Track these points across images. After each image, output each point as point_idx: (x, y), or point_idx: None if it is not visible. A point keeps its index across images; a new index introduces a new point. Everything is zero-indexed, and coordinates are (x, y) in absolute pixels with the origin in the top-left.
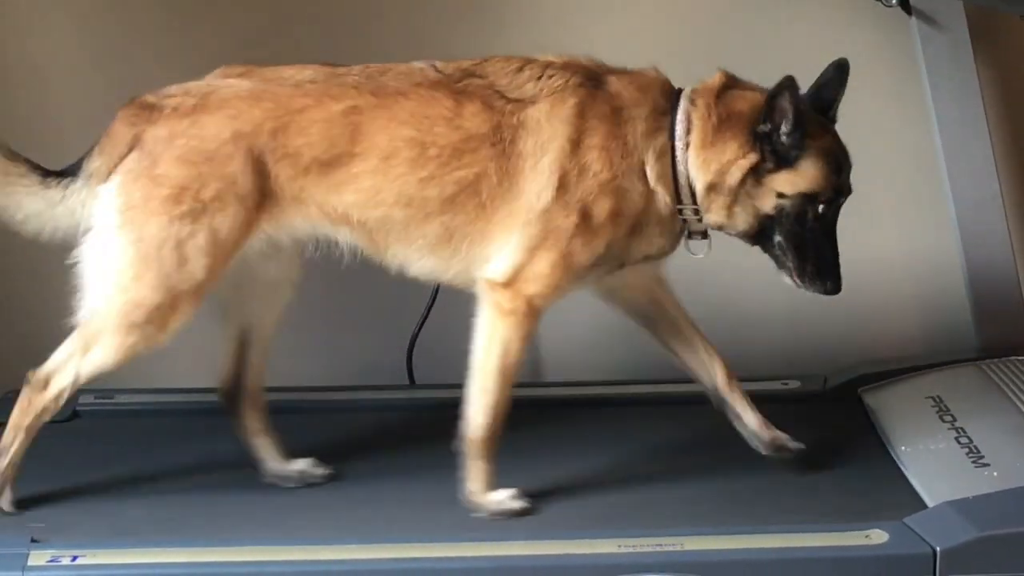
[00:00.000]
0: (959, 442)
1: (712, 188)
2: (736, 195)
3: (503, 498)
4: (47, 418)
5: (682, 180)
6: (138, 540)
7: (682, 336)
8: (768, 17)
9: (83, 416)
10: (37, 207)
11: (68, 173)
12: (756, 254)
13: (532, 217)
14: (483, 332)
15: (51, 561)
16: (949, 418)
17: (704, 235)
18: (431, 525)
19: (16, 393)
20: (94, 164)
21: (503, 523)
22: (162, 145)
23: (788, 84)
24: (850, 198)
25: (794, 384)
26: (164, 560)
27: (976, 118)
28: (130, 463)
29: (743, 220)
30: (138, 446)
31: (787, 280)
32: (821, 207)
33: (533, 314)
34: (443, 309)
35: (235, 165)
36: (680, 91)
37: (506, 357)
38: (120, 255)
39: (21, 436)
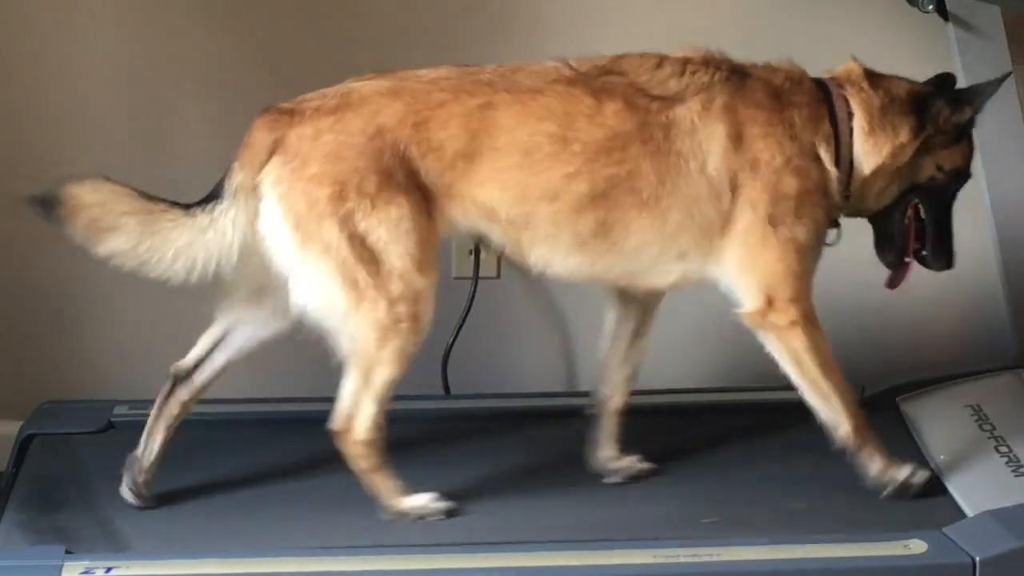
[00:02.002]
0: (998, 451)
1: (879, 170)
2: (896, 175)
3: (909, 472)
4: (382, 451)
5: (844, 165)
6: (172, 551)
7: (632, 347)
8: (803, 21)
9: (118, 427)
10: (187, 239)
11: (211, 198)
12: None
13: (725, 222)
14: (782, 358)
15: (85, 573)
16: (988, 427)
17: (836, 224)
18: (465, 534)
19: (51, 405)
20: (237, 179)
21: (541, 531)
22: (308, 144)
23: (943, 78)
24: None
25: None
26: (198, 572)
27: (1014, 124)
28: (164, 473)
29: (891, 195)
30: (172, 456)
31: (889, 257)
32: (959, 184)
33: (807, 315)
34: (477, 320)
35: (386, 159)
36: (821, 80)
37: (819, 357)
38: (318, 274)
39: (386, 481)
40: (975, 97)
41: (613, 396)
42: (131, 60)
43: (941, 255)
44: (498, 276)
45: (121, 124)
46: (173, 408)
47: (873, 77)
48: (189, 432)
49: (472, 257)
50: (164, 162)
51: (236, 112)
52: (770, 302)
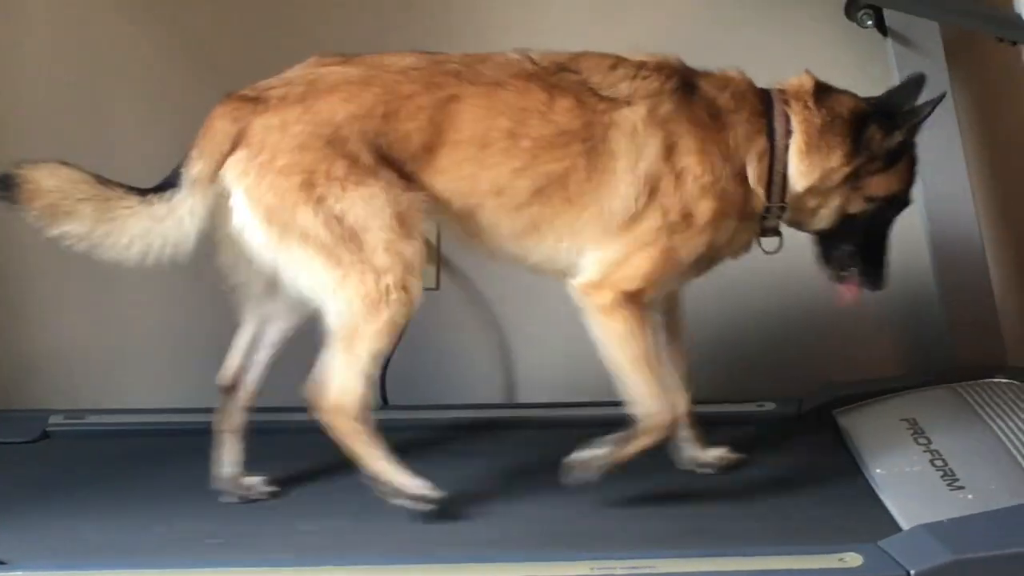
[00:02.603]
0: (934, 464)
1: (812, 190)
2: (828, 196)
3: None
4: (367, 420)
5: (777, 180)
6: (105, 562)
7: (671, 351)
8: (745, 37)
9: (53, 436)
10: (143, 226)
11: (167, 185)
12: (731, 276)
13: (628, 219)
14: (599, 335)
15: None
16: (924, 440)
17: (776, 232)
18: (406, 546)
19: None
20: (196, 169)
21: (473, 543)
22: (276, 135)
23: (916, 80)
24: None
25: (769, 406)
26: None
27: (951, 139)
28: (99, 484)
29: (826, 219)
30: (108, 467)
31: (831, 275)
32: (896, 210)
33: (637, 303)
34: (416, 331)
35: (353, 147)
36: (768, 92)
37: (633, 348)
38: (303, 258)
39: (371, 449)
40: (908, 120)
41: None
42: (66, 50)
43: (873, 277)
44: (437, 287)
45: (58, 116)
46: (236, 418)
47: (821, 93)
48: (125, 442)
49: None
50: (101, 153)
51: (171, 104)
52: (604, 283)
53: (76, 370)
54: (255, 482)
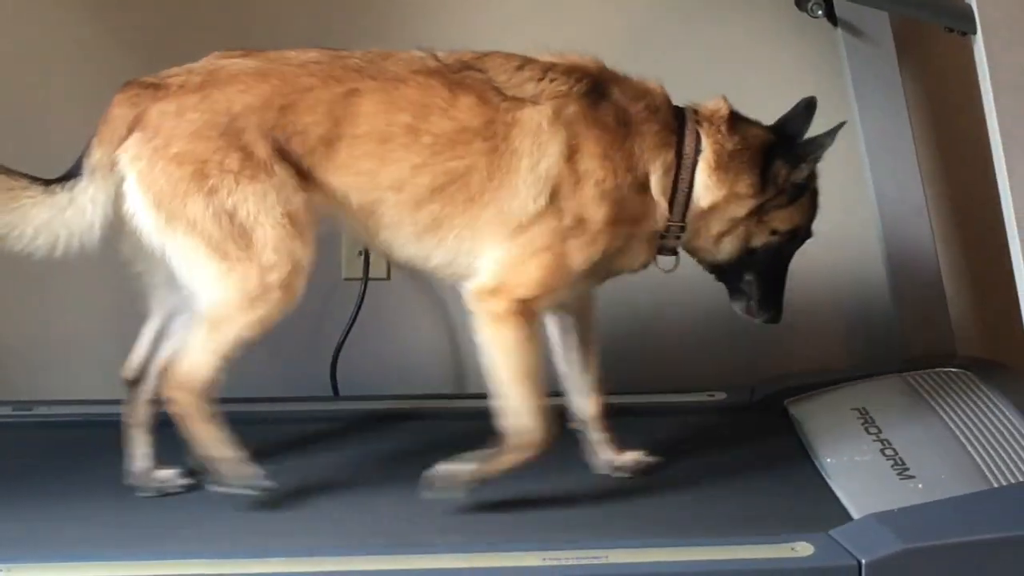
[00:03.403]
0: (884, 454)
1: (713, 210)
2: (733, 226)
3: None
4: (212, 402)
5: (681, 195)
6: (54, 554)
7: (581, 354)
8: (697, 28)
9: (30, 426)
10: (46, 216)
11: (70, 175)
12: (685, 266)
13: (526, 220)
14: (487, 343)
15: None
16: (874, 430)
17: (674, 251)
18: (352, 537)
19: None
20: (95, 157)
21: (423, 533)
22: (172, 121)
23: (808, 104)
24: None
25: (720, 396)
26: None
27: (901, 130)
28: (49, 475)
29: (728, 250)
30: (56, 458)
31: (739, 309)
32: (798, 242)
33: (529, 314)
34: (367, 321)
35: (249, 138)
36: (683, 109)
37: (518, 361)
38: (188, 247)
39: (210, 431)
40: (811, 154)
41: (589, 404)
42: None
43: (768, 309)
44: (388, 277)
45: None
46: (142, 411)
47: (735, 122)
48: (73, 433)
49: (362, 258)
50: (31, 142)
51: (104, 90)
52: (499, 289)
53: (21, 362)
54: (169, 475)
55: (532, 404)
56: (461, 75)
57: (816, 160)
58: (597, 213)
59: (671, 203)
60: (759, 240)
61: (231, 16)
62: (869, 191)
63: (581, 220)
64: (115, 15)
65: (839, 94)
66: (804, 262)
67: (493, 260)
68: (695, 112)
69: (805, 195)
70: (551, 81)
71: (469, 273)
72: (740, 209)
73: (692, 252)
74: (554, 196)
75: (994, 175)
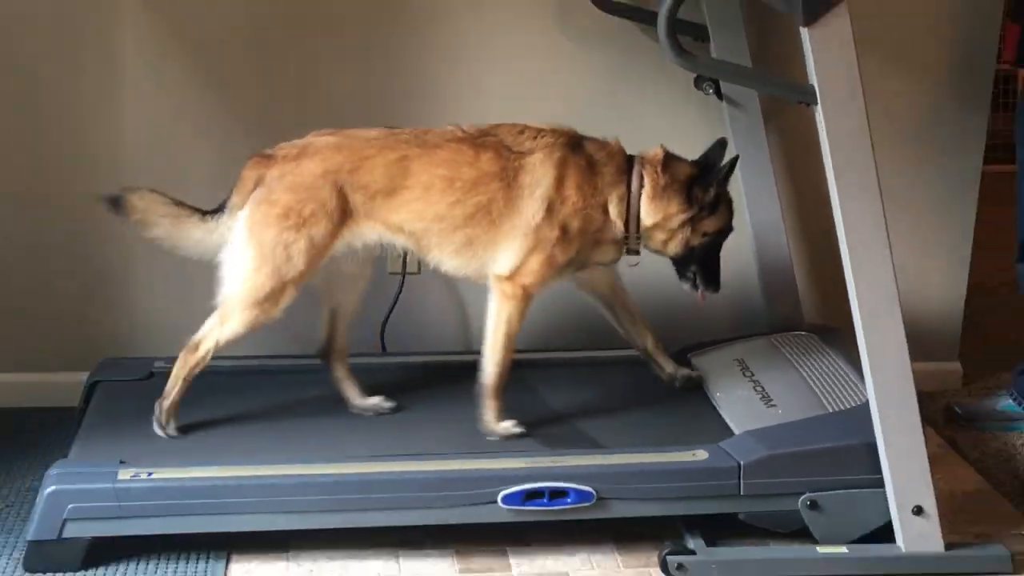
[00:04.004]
0: (756, 390)
1: (655, 227)
2: (674, 234)
3: (508, 425)
4: (198, 371)
5: (632, 217)
6: (190, 462)
7: (629, 315)
8: (627, 104)
9: (156, 376)
10: (200, 235)
11: (218, 210)
12: (638, 270)
13: (528, 230)
14: (493, 311)
15: (133, 476)
16: (749, 374)
17: (637, 252)
18: (408, 444)
19: (110, 360)
20: (233, 200)
21: (461, 444)
22: (276, 180)
23: (712, 166)
24: None
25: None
26: (207, 475)
27: (765, 169)
28: (190, 407)
29: (674, 250)
30: (196, 396)
31: (687, 287)
32: (723, 238)
33: (527, 298)
34: (404, 302)
35: (325, 192)
36: (632, 157)
37: (509, 328)
38: (246, 255)
39: (180, 384)
40: (716, 179)
41: (647, 342)
42: (162, 112)
43: (710, 284)
44: (419, 272)
45: (160, 158)
46: (341, 372)
47: (668, 161)
48: (209, 379)
49: (401, 259)
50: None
51: (232, 153)
52: (512, 277)
53: (171, 327)
54: (376, 401)
55: (506, 360)
56: (481, 139)
57: (721, 183)
58: (573, 225)
59: (626, 223)
60: (695, 241)
61: (324, 104)
62: (745, 212)
63: (564, 229)
64: (243, 104)
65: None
66: None
67: (507, 257)
68: (641, 158)
69: (721, 206)
70: (542, 138)
71: (490, 273)
72: (676, 222)
73: (652, 251)
74: (548, 212)
75: (829, 199)
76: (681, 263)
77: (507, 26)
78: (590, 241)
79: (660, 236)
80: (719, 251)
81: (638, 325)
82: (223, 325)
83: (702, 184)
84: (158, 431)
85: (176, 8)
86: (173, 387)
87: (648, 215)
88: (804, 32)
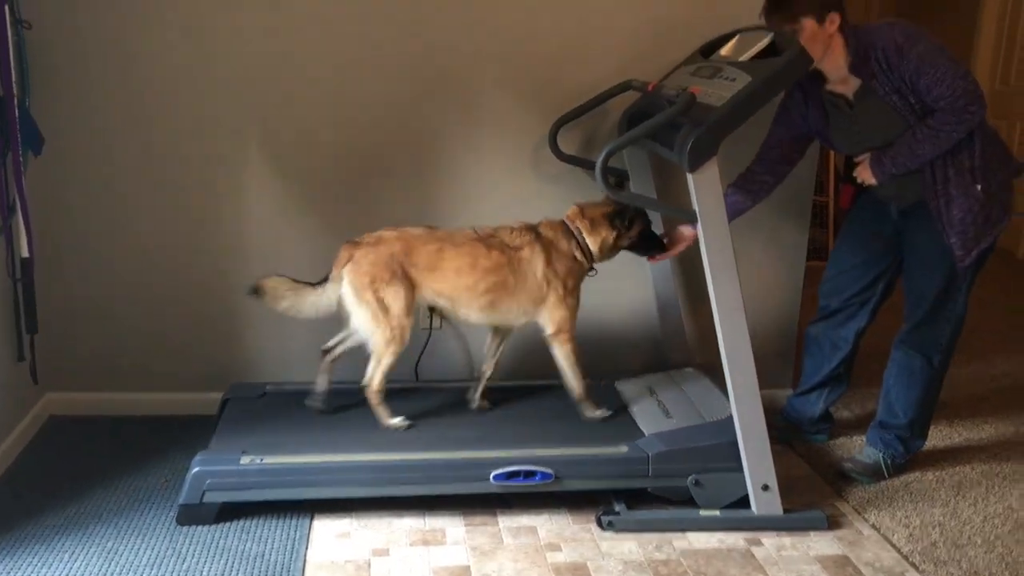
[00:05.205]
0: (660, 407)
1: (601, 248)
2: (613, 246)
3: (600, 412)
4: (382, 396)
5: (587, 253)
6: (288, 451)
7: (498, 351)
8: (559, 193)
9: (268, 395)
10: (312, 300)
11: (322, 281)
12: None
13: (542, 295)
14: (559, 355)
15: (251, 461)
16: (656, 396)
17: (595, 270)
18: (427, 444)
19: (237, 384)
20: (334, 273)
21: (466, 441)
22: (362, 259)
23: (625, 208)
24: (611, 285)
25: (588, 381)
26: (304, 461)
27: (665, 263)
28: (288, 419)
29: (616, 252)
30: (295, 411)
31: (646, 259)
32: (648, 231)
33: (572, 338)
34: (432, 347)
35: (394, 265)
36: (564, 220)
37: (571, 359)
38: (364, 315)
39: (379, 407)
40: (628, 211)
41: (488, 370)
42: (274, 211)
43: (654, 248)
44: (441, 327)
45: (268, 243)
46: (326, 367)
47: (585, 213)
48: (300, 398)
49: (430, 318)
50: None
51: (316, 244)
52: (559, 330)
53: (278, 361)
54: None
55: (579, 379)
56: (489, 240)
57: (632, 217)
58: (569, 280)
59: (587, 257)
60: (628, 242)
61: (386, 212)
62: (649, 280)
63: (567, 285)
64: (329, 210)
65: None
66: (624, 313)
67: (544, 318)
68: (569, 217)
69: (636, 221)
70: (523, 235)
71: (516, 324)
72: (611, 240)
73: (603, 260)
74: (549, 282)
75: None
76: (631, 251)
77: (499, 166)
78: (579, 278)
79: (607, 252)
80: (649, 236)
81: (496, 359)
82: (380, 363)
83: (620, 217)
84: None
85: (287, 144)
86: (379, 407)
87: (592, 245)
88: (689, 176)
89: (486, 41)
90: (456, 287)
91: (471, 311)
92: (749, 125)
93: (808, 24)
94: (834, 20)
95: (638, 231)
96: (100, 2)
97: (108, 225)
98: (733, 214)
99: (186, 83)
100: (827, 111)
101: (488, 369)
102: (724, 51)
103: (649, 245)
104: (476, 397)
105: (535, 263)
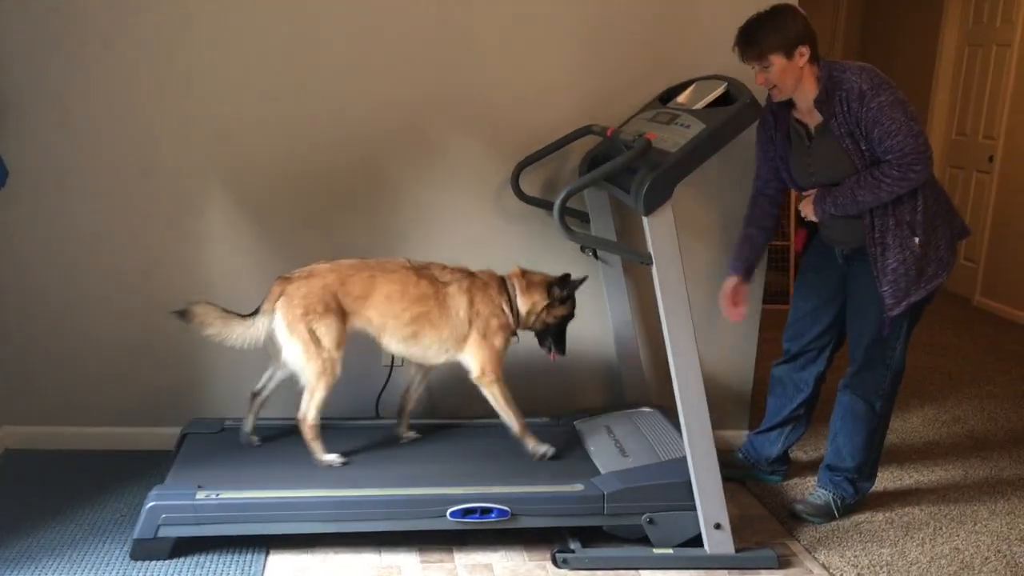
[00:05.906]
0: (616, 447)
1: (529, 313)
2: (538, 316)
3: (543, 449)
4: (317, 431)
5: (515, 311)
6: (243, 487)
7: (421, 387)
8: (530, 254)
9: (226, 430)
10: (240, 331)
11: (253, 314)
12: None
13: (464, 336)
14: (488, 396)
15: (206, 496)
16: (612, 435)
17: (516, 335)
18: (380, 480)
19: (196, 420)
20: (265, 307)
21: (424, 477)
22: (294, 292)
23: (567, 279)
24: (571, 325)
25: (545, 419)
26: (259, 496)
27: (622, 296)
28: (246, 455)
29: (538, 325)
30: (252, 447)
31: (545, 350)
32: (567, 321)
33: (498, 377)
34: (392, 383)
35: (327, 297)
36: (504, 277)
37: (500, 400)
38: (297, 347)
39: (315, 442)
40: (568, 287)
41: (409, 405)
42: (224, 252)
43: (559, 349)
44: (401, 364)
45: (221, 281)
46: (255, 408)
47: (523, 273)
48: (261, 435)
49: (392, 357)
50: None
51: (264, 276)
52: (483, 371)
53: (234, 397)
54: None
55: (516, 418)
56: (420, 271)
57: (571, 288)
58: (491, 324)
59: (513, 315)
60: (551, 320)
61: (326, 246)
62: (608, 322)
63: (489, 328)
64: (275, 246)
65: (598, 283)
66: (583, 353)
67: (467, 359)
68: (510, 275)
69: (568, 302)
70: (453, 273)
71: (435, 361)
72: (539, 307)
73: (526, 329)
74: (471, 323)
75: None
76: (542, 335)
77: (462, 206)
78: (504, 328)
79: (531, 319)
80: (564, 329)
81: (418, 395)
82: (313, 396)
83: (560, 286)
84: (331, 463)
85: (247, 182)
86: (314, 442)
87: (522, 306)
88: (645, 219)
89: (451, 85)
90: (384, 314)
91: (393, 340)
92: (705, 169)
93: (777, 61)
94: (803, 53)
95: (563, 314)
96: (61, 41)
97: (66, 260)
98: (762, 249)
99: (142, 124)
100: (791, 138)
101: (409, 404)
102: (681, 98)
103: (559, 337)
104: (401, 431)
105: (460, 300)
